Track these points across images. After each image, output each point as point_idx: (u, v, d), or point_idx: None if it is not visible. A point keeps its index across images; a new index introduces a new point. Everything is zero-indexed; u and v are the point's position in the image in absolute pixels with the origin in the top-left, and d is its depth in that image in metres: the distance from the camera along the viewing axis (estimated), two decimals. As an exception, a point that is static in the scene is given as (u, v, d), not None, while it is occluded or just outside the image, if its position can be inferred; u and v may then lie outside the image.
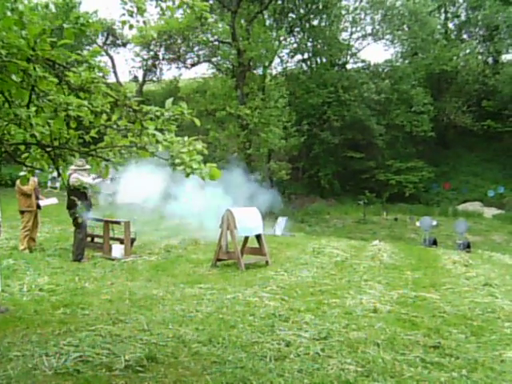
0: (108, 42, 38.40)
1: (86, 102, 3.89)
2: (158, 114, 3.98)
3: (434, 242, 19.98)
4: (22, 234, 12.31)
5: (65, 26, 3.83)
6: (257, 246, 12.23)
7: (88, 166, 4.06)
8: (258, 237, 12.11)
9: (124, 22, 4.19)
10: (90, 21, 4.00)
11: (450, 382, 5.29)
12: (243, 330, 6.74)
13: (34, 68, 3.64)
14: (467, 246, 18.79)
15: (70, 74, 3.81)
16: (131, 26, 4.22)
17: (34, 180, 11.82)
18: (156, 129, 3.98)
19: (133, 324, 6.86)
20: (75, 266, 10.89)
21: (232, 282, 9.95)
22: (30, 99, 3.89)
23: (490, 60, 40.63)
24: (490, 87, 37.41)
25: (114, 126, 4.18)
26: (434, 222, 22.04)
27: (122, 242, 12.36)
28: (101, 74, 4.03)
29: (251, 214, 12.01)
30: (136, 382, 5.04)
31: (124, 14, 4.09)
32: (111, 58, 38.11)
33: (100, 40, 37.61)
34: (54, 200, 13.37)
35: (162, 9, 4.39)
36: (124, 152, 4.23)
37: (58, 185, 27.30)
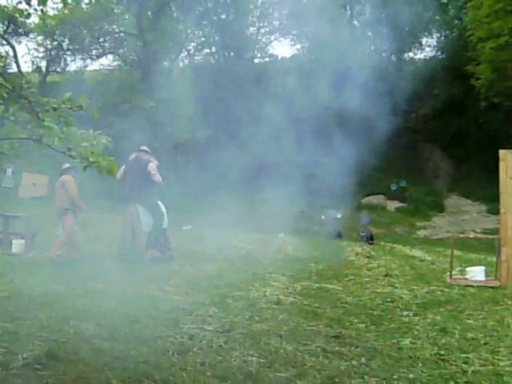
0: (9, 30, 36.93)
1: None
2: (56, 106, 3.89)
3: (339, 235, 20.47)
4: None
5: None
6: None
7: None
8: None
9: (21, 11, 4.07)
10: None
11: (350, 370, 5.42)
12: (146, 325, 6.68)
13: None
14: (370, 238, 19.35)
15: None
16: (29, 15, 4.10)
17: None
18: (54, 121, 3.88)
19: (32, 321, 6.66)
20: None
21: (136, 276, 9.85)
22: None
23: (393, 58, 41.73)
24: (393, 85, 38.47)
25: (12, 118, 4.04)
26: (339, 215, 22.52)
27: (22, 237, 12.03)
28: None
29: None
30: (34, 380, 4.90)
31: (21, 2, 3.97)
32: (13, 47, 36.66)
33: (0, 28, 36.12)
34: None
35: (63, -4, 4.28)
36: (19, 145, 4.11)
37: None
